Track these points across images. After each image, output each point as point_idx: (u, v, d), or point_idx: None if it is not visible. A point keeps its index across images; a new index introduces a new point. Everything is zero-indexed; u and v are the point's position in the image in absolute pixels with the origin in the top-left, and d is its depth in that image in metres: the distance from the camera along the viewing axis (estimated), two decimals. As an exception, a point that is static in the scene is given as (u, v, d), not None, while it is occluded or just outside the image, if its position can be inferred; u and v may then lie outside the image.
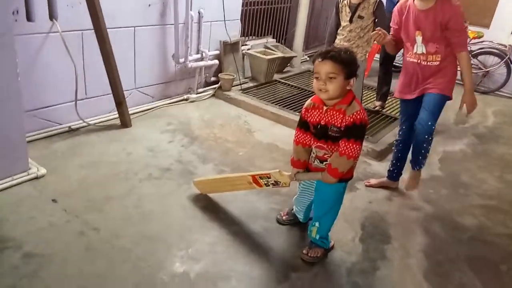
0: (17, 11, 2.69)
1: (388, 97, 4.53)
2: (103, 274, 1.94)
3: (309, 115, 2.04)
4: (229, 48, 4.53)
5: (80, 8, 3.06)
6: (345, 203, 2.18)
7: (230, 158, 3.17)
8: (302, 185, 2.29)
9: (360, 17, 3.51)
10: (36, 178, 2.57)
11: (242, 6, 4.68)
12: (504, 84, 5.63)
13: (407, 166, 2.88)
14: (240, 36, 4.78)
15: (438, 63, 2.53)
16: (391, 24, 2.72)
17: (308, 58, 6.08)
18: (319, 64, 1.88)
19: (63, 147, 3.01)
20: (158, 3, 3.67)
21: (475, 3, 5.57)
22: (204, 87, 4.42)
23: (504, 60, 5.50)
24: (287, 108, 4.11)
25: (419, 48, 2.54)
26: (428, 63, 2.56)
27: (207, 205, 2.55)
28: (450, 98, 2.61)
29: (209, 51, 4.30)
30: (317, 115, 2.00)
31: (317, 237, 2.18)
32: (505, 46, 5.53)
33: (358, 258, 2.27)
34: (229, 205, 2.56)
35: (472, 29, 5.30)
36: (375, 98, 4.57)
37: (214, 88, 4.41)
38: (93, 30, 3.10)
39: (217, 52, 4.44)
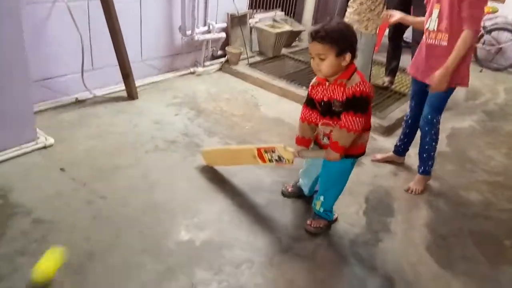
0: (22, -20, 2.67)
1: (398, 73, 4.45)
2: (110, 240, 1.99)
3: (314, 92, 2.03)
4: (236, 21, 4.46)
5: (85, -23, 3.02)
6: (351, 176, 2.18)
7: (236, 132, 3.17)
8: (308, 160, 2.29)
9: (371, -11, 3.42)
10: (44, 147, 2.60)
11: (250, -23, 4.59)
12: (517, 61, 5.51)
13: (415, 142, 2.86)
14: (248, 9, 4.70)
15: (446, 43, 2.35)
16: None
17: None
18: (310, 45, 1.87)
19: (71, 117, 3.03)
20: (165, -27, 3.61)
21: (492, -24, 5.39)
22: (211, 60, 4.38)
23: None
24: (295, 83, 4.08)
25: (432, 23, 2.39)
26: (435, 42, 2.40)
27: (213, 177, 2.57)
28: (464, 85, 2.44)
29: (216, 23, 4.24)
30: (320, 91, 1.99)
31: (321, 210, 2.20)
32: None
33: (362, 230, 2.29)
34: (234, 177, 2.58)
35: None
36: (384, 74, 4.50)
37: (221, 62, 4.37)
38: (99, 0, 3.06)
39: (224, 25, 4.37)
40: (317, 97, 2.02)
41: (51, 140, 2.65)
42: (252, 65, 4.39)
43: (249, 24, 4.67)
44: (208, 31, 4.20)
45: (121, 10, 3.20)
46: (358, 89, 1.83)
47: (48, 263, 1.71)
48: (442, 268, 2.11)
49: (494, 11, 5.39)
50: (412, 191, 2.68)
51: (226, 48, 4.36)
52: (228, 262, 1.95)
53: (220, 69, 4.34)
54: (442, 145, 3.38)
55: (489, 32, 5.50)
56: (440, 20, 2.35)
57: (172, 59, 4.04)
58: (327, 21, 1.86)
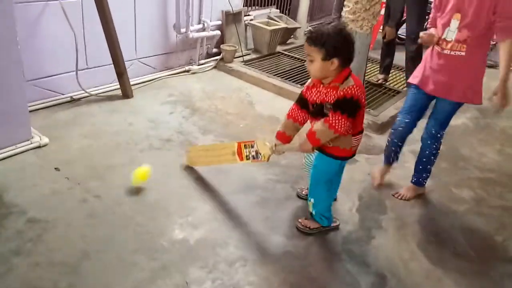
0: (15, -22, 2.66)
1: (391, 70, 4.48)
2: (105, 239, 2.00)
3: (309, 93, 2.04)
4: (231, 18, 4.46)
5: (79, -24, 3.02)
6: (343, 174, 2.20)
7: (231, 130, 3.18)
8: (307, 161, 2.31)
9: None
10: (39, 146, 2.61)
11: (245, -25, 4.59)
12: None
13: (414, 141, 2.78)
14: (243, 6, 4.70)
15: (463, 53, 2.22)
16: (432, 7, 2.40)
17: (312, 30, 5.98)
18: (304, 45, 1.90)
19: (65, 117, 3.03)
20: (159, -29, 3.61)
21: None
22: (206, 58, 4.39)
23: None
24: (290, 80, 4.09)
25: (450, 33, 2.23)
26: (451, 52, 2.25)
27: (207, 175, 2.58)
28: (476, 102, 2.32)
29: (210, 21, 4.24)
30: (314, 93, 2.00)
31: (314, 211, 2.21)
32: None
33: (354, 227, 2.32)
34: (228, 176, 2.59)
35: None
36: (378, 71, 4.52)
37: (216, 59, 4.38)
38: (92, -1, 3.07)
39: (219, 22, 4.38)
40: (310, 99, 2.03)
41: (45, 139, 2.65)
42: (247, 62, 4.41)
43: (244, 21, 4.68)
44: (203, 29, 4.20)
45: (115, 9, 3.20)
46: (349, 91, 1.84)
47: (142, 170, 2.37)
48: (433, 264, 2.14)
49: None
50: (400, 195, 2.62)
51: (221, 45, 4.36)
52: (222, 260, 1.97)
53: (215, 67, 4.35)
54: (435, 142, 3.41)
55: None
56: (459, 30, 2.22)
57: (167, 57, 4.04)
58: (324, 24, 1.88)
